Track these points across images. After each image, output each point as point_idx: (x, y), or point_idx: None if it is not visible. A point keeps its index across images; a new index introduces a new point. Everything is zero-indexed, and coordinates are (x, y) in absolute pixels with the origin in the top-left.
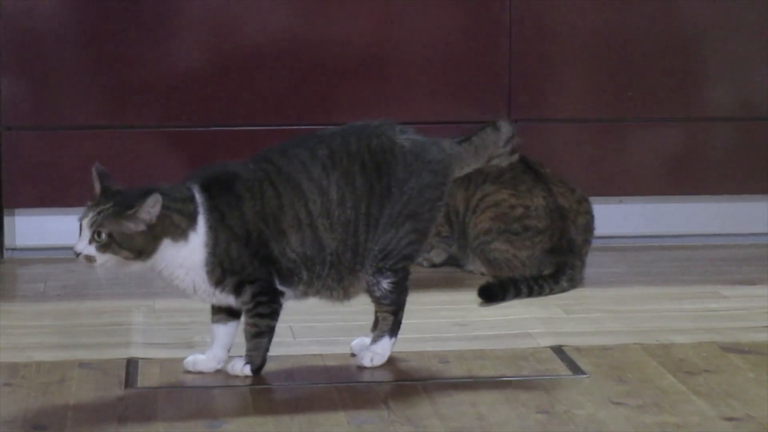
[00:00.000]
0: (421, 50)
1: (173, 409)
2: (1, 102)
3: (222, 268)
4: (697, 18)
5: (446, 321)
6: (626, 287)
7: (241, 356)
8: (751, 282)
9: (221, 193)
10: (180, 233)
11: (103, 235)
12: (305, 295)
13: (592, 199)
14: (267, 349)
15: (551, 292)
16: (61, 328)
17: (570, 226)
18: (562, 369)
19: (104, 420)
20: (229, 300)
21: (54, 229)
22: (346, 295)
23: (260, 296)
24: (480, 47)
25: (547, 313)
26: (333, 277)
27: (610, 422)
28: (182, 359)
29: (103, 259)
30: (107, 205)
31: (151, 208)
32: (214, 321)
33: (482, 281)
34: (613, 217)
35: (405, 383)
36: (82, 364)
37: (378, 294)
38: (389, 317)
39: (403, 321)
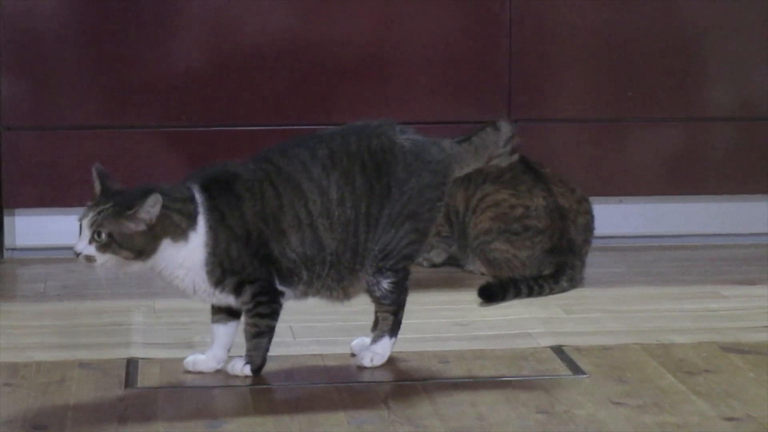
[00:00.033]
0: (421, 50)
1: (173, 409)
2: (1, 102)
3: (222, 268)
4: (697, 18)
5: (446, 321)
6: (626, 287)
7: (241, 356)
8: (751, 282)
9: (221, 193)
10: (180, 233)
11: (103, 235)
12: (305, 295)
13: (592, 199)
14: (267, 349)
15: (551, 292)
16: (61, 328)
17: (570, 226)
18: (562, 369)
19: (104, 420)
20: (229, 300)
21: (54, 229)
22: (345, 295)
23: (260, 296)
24: (480, 47)
25: (547, 313)
26: (333, 277)
27: (610, 422)
28: (182, 359)
29: (103, 259)
30: (107, 205)
31: (151, 207)
32: (214, 321)
33: (482, 281)
34: (613, 217)
35: (405, 383)
36: (82, 364)
37: (378, 294)
38: (389, 317)
39: (403, 321)
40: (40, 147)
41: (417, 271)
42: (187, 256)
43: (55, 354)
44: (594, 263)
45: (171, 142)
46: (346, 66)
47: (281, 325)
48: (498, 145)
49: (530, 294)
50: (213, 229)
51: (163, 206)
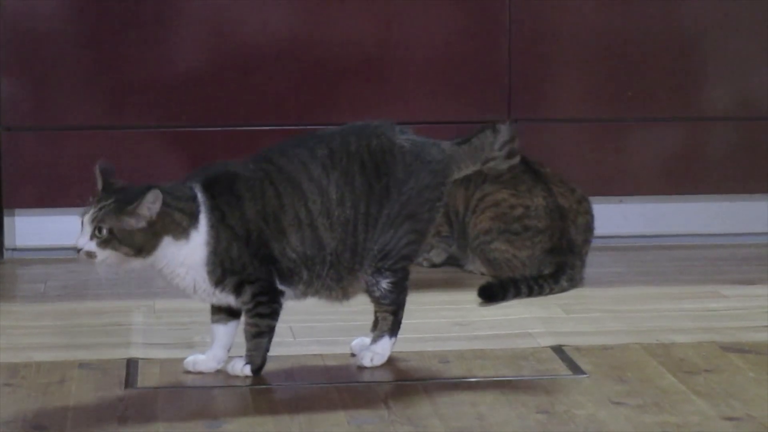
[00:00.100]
0: (421, 50)
1: (173, 409)
2: (1, 102)
3: (222, 268)
4: (697, 18)
5: (446, 321)
6: (626, 287)
7: (241, 356)
8: (751, 282)
9: (222, 192)
10: (181, 231)
11: (104, 231)
12: (304, 295)
13: (592, 199)
14: (267, 349)
15: (551, 292)
16: (61, 328)
17: (570, 226)
18: (562, 369)
19: (104, 420)
20: (229, 300)
21: (54, 229)
22: (344, 295)
23: (260, 296)
24: (480, 47)
25: (547, 313)
26: (332, 277)
27: (610, 422)
28: (182, 359)
29: (103, 255)
30: (108, 202)
31: (152, 204)
32: (214, 321)
33: (482, 281)
34: (613, 217)
35: (405, 383)
36: (82, 364)
37: (377, 294)
38: (389, 317)
39: (403, 321)
40: (40, 147)
41: (417, 271)
42: (188, 254)
43: (55, 354)
44: (594, 263)
45: (171, 142)
46: (346, 66)
47: (281, 325)
48: (493, 148)
49: (530, 294)
50: (214, 229)
51: (165, 204)
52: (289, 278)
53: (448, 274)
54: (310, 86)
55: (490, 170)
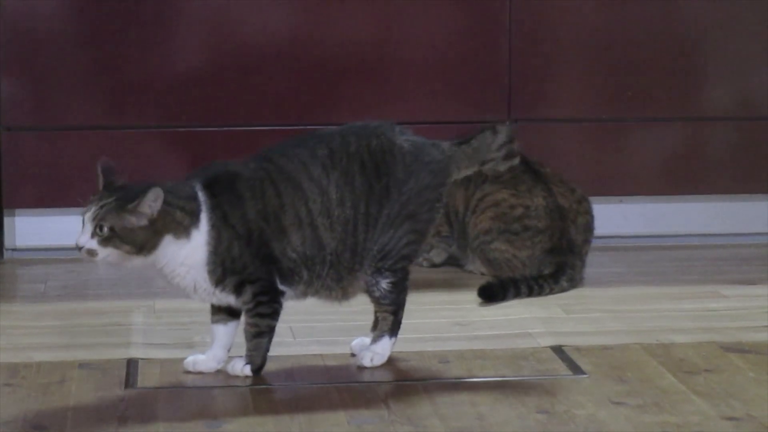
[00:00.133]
0: (421, 50)
1: (173, 409)
2: (1, 102)
3: (223, 268)
4: (697, 18)
5: (446, 321)
6: (626, 287)
7: (241, 356)
8: (751, 282)
9: (223, 192)
10: (182, 230)
11: (105, 229)
12: (304, 295)
13: (592, 199)
14: (267, 349)
15: (551, 292)
16: (61, 328)
17: (570, 226)
18: (562, 369)
19: (104, 420)
20: (229, 299)
21: (54, 229)
22: (344, 295)
23: (261, 296)
24: (480, 47)
25: (547, 313)
26: (332, 277)
27: (610, 422)
28: (182, 359)
29: (104, 253)
30: (109, 200)
31: (153, 202)
32: (214, 321)
33: (482, 281)
34: (613, 217)
35: (405, 383)
36: (82, 365)
37: (377, 294)
38: (389, 317)
39: (403, 321)
40: (40, 147)
41: (417, 271)
42: (188, 253)
43: (55, 354)
44: (594, 263)
45: (171, 142)
46: (346, 66)
47: (281, 325)
48: (491, 149)
49: (530, 294)
50: (215, 228)
51: (166, 202)
52: (289, 278)
53: (448, 274)
54: (310, 86)
55: (488, 171)
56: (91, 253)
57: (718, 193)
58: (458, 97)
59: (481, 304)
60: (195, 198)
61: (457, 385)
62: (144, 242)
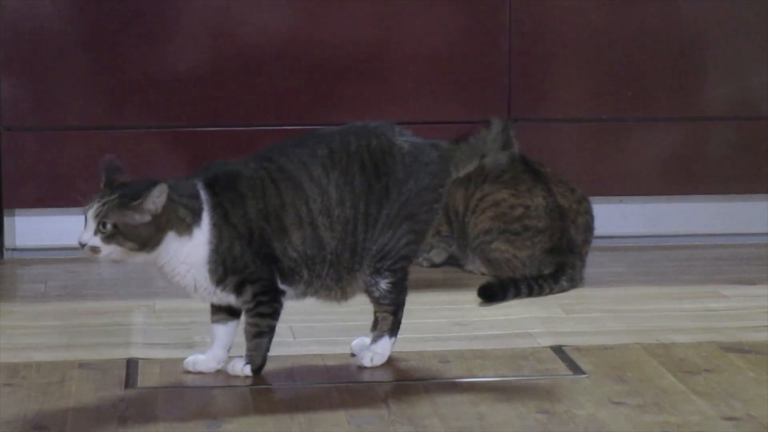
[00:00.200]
0: (421, 50)
1: (173, 409)
2: (1, 102)
3: (224, 267)
4: (697, 18)
5: (446, 321)
6: (626, 287)
7: (241, 356)
8: (751, 282)
9: (225, 191)
10: (185, 228)
11: (108, 226)
12: (304, 294)
13: (592, 199)
14: (267, 349)
15: (551, 291)
16: (61, 328)
17: (570, 226)
18: (562, 369)
19: (104, 420)
20: (229, 299)
21: (54, 229)
22: (343, 295)
23: (261, 296)
24: (480, 47)
25: (547, 313)
26: (332, 277)
27: (610, 422)
28: (182, 359)
29: (107, 250)
30: (112, 197)
31: (157, 198)
32: (214, 321)
33: (482, 281)
34: (613, 217)
35: (405, 383)
36: (82, 364)
37: (377, 294)
38: (389, 317)
39: (403, 321)
40: (40, 147)
41: (417, 271)
42: (190, 252)
43: (55, 354)
44: (594, 263)
45: (171, 142)
46: (346, 66)
47: (281, 325)
48: (487, 142)
49: (530, 294)
50: (217, 227)
51: (170, 199)
52: (290, 278)
53: (448, 274)
54: (310, 86)
55: (488, 163)
56: (94, 250)
57: (718, 193)
58: (458, 97)
59: (481, 304)
60: (197, 196)
61: (457, 385)
62: (147, 239)
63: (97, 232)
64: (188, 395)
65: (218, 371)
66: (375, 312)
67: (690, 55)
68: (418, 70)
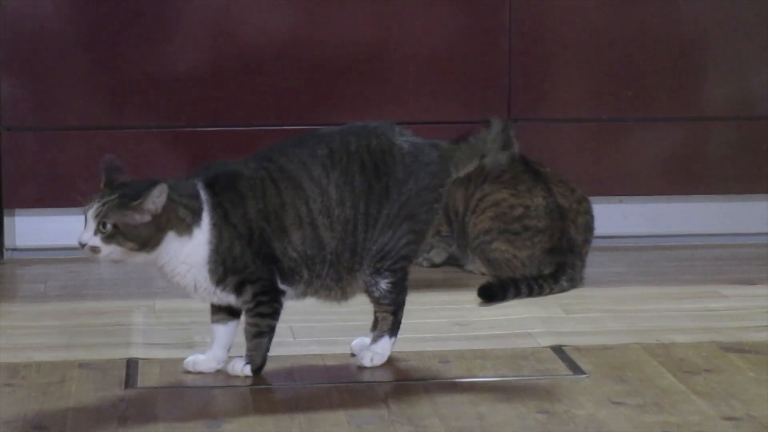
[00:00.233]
0: (420, 50)
1: (173, 409)
2: (1, 102)
3: (224, 267)
4: (697, 18)
5: (446, 321)
6: (626, 287)
7: (241, 356)
8: (751, 282)
9: (225, 190)
10: (185, 228)
11: (108, 226)
12: (304, 294)
13: (592, 199)
14: (267, 349)
15: (551, 291)
16: (61, 328)
17: (570, 226)
18: (562, 369)
19: (104, 420)
20: (229, 299)
21: (54, 229)
22: (343, 295)
23: (261, 296)
24: (480, 47)
25: (547, 313)
26: (332, 277)
27: (610, 422)
28: (182, 359)
29: (107, 250)
30: (112, 197)
31: (157, 198)
32: (213, 321)
33: (482, 281)
34: (613, 217)
35: (405, 383)
36: (82, 365)
37: (377, 294)
38: (389, 317)
39: (403, 321)
40: (40, 147)
41: (417, 271)
42: (190, 252)
43: (55, 354)
44: (594, 263)
45: (171, 142)
46: (346, 66)
47: (281, 325)
48: (487, 142)
49: (530, 294)
50: (217, 227)
51: (170, 198)
52: (290, 277)
53: (448, 274)
54: (310, 86)
55: (488, 163)
56: (95, 250)
57: (718, 193)
58: (458, 97)
59: (481, 304)
60: (197, 196)
61: (457, 385)
62: (147, 239)
63: (97, 232)
64: (188, 395)
65: (218, 371)
66: (375, 312)
67: (690, 55)
68: (418, 70)
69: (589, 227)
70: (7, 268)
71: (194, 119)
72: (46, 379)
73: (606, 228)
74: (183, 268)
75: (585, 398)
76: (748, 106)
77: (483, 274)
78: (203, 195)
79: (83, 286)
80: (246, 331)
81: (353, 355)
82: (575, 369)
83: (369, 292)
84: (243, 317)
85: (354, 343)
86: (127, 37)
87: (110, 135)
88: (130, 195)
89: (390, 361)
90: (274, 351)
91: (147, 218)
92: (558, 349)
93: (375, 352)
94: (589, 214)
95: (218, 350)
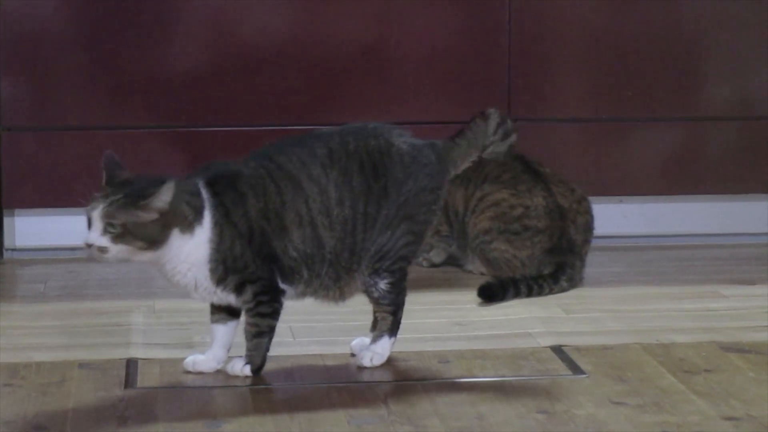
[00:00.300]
0: (420, 50)
1: (173, 409)
2: (1, 102)
3: (225, 266)
4: (697, 18)
5: (446, 321)
6: (626, 287)
7: (241, 356)
8: (751, 282)
9: (225, 189)
10: (187, 225)
11: (117, 226)
12: (303, 294)
13: (592, 199)
14: (267, 349)
15: (551, 291)
16: (61, 328)
17: (570, 226)
18: (562, 369)
19: (104, 420)
20: (229, 299)
21: (54, 229)
22: (341, 295)
23: (261, 295)
24: (480, 47)
25: (547, 313)
26: (330, 276)
27: (610, 422)
28: (182, 359)
29: (116, 249)
30: (118, 196)
31: (165, 196)
32: (213, 321)
33: (482, 281)
34: (613, 217)
35: (405, 383)
36: (82, 365)
37: (376, 295)
38: (388, 317)
39: (403, 321)
40: (40, 147)
41: (417, 271)
42: (191, 250)
43: (55, 354)
44: (594, 263)
45: (171, 142)
46: (346, 66)
47: (281, 325)
48: (487, 134)
49: (530, 294)
50: (218, 226)
51: (175, 195)
52: (290, 277)
53: (448, 274)
54: (310, 86)
55: (490, 155)
56: (102, 250)
57: (718, 193)
58: (458, 97)
59: (480, 304)
60: (199, 194)
61: (457, 385)
62: (155, 237)
63: (104, 232)
64: (188, 395)
65: (218, 371)
66: (374, 312)
67: (690, 55)
68: (418, 70)
69: (588, 227)
70: (7, 268)
71: (194, 119)
72: (46, 379)
73: (606, 228)
74: (184, 267)
75: (585, 398)
76: (748, 106)
77: (483, 274)
78: (204, 194)
79: (83, 286)
80: (246, 331)
81: (353, 355)
82: (575, 369)
83: (368, 293)
84: (243, 317)
85: (354, 343)
86: (127, 37)
87: (110, 135)
88: (136, 194)
89: (390, 361)
90: (274, 351)
91: (154, 216)
92: (558, 349)
93: (375, 352)
94: (588, 213)
95: (218, 350)
